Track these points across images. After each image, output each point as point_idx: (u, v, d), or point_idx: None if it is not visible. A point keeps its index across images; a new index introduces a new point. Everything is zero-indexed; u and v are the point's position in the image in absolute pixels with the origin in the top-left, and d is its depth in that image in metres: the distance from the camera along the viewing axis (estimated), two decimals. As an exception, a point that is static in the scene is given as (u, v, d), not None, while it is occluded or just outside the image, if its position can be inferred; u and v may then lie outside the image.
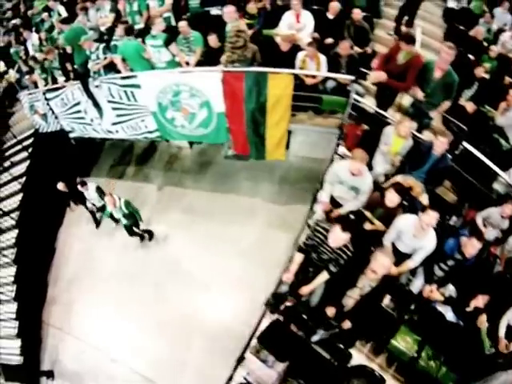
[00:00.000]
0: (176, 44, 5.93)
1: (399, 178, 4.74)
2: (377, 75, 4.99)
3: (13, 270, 7.37)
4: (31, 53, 8.24)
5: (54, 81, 7.17)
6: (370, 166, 4.86)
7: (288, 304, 4.40)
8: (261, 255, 7.05)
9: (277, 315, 4.47)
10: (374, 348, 4.22)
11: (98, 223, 7.98)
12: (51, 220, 8.06)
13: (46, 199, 7.91)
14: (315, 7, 6.35)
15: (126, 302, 6.98)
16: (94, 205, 7.47)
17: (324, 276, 3.98)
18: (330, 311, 4.02)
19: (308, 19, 6.04)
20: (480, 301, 3.92)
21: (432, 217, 3.78)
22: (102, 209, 7.21)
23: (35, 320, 7.56)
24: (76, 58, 6.68)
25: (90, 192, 7.21)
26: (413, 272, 4.30)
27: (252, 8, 6.21)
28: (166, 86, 5.74)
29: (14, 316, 7.17)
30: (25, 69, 8.41)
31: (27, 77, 7.70)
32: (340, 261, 3.85)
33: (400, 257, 4.10)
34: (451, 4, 6.84)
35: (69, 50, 6.61)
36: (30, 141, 8.11)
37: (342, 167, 4.53)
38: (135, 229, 7.15)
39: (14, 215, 7.57)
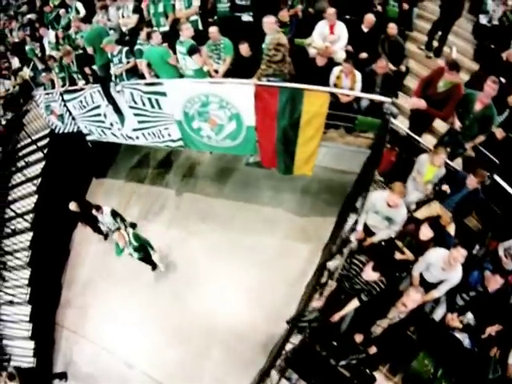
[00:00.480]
0: (203, 49, 5.44)
1: (430, 208, 4.66)
2: (417, 103, 4.66)
3: (27, 272, 7.06)
4: (47, 51, 7.70)
5: (72, 81, 6.63)
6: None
7: (315, 326, 4.37)
8: (280, 266, 6.80)
9: (303, 336, 4.43)
10: (392, 368, 4.21)
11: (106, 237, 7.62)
12: (66, 222, 7.67)
13: (61, 201, 7.53)
14: (348, 17, 5.88)
15: (143, 308, 6.72)
16: (109, 228, 6.99)
17: (355, 304, 3.99)
18: (359, 338, 4.07)
19: (342, 31, 5.56)
20: (494, 329, 3.95)
21: (461, 254, 3.79)
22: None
23: (49, 322, 7.29)
24: (97, 60, 6.13)
25: (104, 216, 6.74)
26: (436, 300, 4.30)
27: (284, 16, 5.67)
28: (194, 96, 5.31)
29: (27, 318, 6.90)
30: (40, 66, 7.91)
31: (43, 74, 7.17)
32: (372, 292, 3.88)
33: (426, 286, 4.11)
34: (483, 21, 6.47)
35: (89, 51, 6.10)
36: (46, 141, 7.62)
37: (379, 197, 4.43)
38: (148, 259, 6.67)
39: (29, 217, 7.22)
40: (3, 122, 7.92)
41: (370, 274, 3.81)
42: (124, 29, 6.49)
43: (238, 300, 6.54)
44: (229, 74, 5.53)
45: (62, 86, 6.70)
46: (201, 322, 6.42)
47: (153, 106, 5.73)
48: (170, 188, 7.83)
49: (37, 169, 7.50)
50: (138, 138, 6.46)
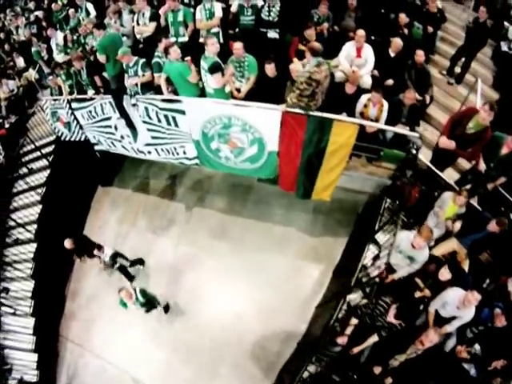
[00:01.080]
0: (229, 68, 4.89)
1: (448, 245, 4.59)
2: (447, 143, 4.34)
3: (30, 284, 6.58)
4: (55, 53, 7.06)
5: (81, 88, 6.04)
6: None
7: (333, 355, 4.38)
8: (291, 285, 6.47)
9: (320, 365, 4.48)
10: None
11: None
12: (71, 232, 7.17)
13: (65, 210, 7.03)
14: (374, 38, 5.44)
15: (152, 323, 6.31)
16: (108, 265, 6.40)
17: (374, 339, 4.18)
18: (377, 370, 4.14)
19: (370, 55, 5.10)
20: (500, 363, 4.01)
21: (475, 298, 3.89)
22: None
23: (53, 334, 6.83)
24: (109, 70, 5.54)
25: (105, 256, 6.13)
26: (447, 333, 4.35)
27: (311, 35, 5.12)
28: (216, 117, 4.80)
29: (30, 331, 6.45)
30: (47, 70, 7.27)
31: (50, 78, 6.59)
32: (392, 329, 4.17)
33: (440, 320, 4.20)
34: (504, 48, 6.08)
35: (102, 59, 5.46)
36: (51, 148, 7.01)
37: (405, 238, 4.31)
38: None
39: (32, 228, 6.68)
40: (6, 125, 7.28)
41: (392, 320, 4.12)
42: (139, 36, 5.85)
43: (248, 318, 6.21)
44: (251, 93, 5.04)
45: (70, 94, 6.09)
46: (210, 339, 6.09)
47: (169, 124, 5.20)
48: (179, 201, 7.33)
49: (41, 177, 6.87)
50: (150, 152, 5.93)
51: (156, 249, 6.96)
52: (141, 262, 6.72)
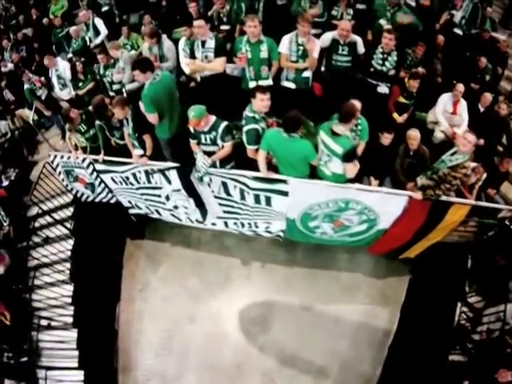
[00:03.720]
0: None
1: None
2: None
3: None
4: (56, 87, 4.44)
5: (106, 143, 3.57)
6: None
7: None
8: (363, 332, 4.93)
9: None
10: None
11: None
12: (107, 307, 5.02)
13: (98, 281, 4.83)
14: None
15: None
16: None
17: None
18: None
19: (464, 111, 3.58)
20: None
21: None
22: None
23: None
24: (162, 131, 3.07)
25: None
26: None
27: (413, 85, 3.43)
28: (330, 201, 3.00)
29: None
30: (47, 113, 4.68)
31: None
32: None
33: None
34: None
35: (153, 119, 2.94)
36: (69, 211, 4.57)
37: None
38: None
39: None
40: (5, 182, 4.73)
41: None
42: (198, 76, 3.36)
43: (332, 374, 4.65)
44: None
45: (91, 151, 3.69)
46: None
47: (258, 202, 3.20)
48: (234, 255, 5.25)
49: (62, 248, 4.55)
50: (214, 224, 3.85)
51: (216, 311, 5.03)
52: None
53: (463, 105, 3.62)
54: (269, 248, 5.20)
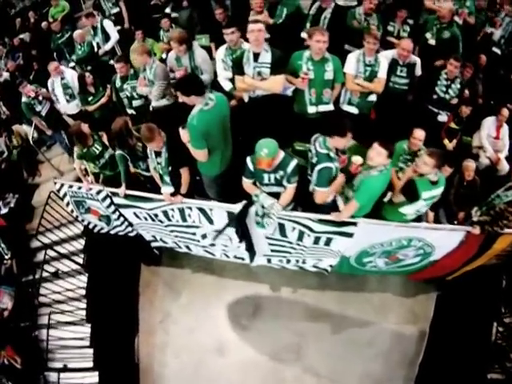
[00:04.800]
0: None
1: None
2: None
3: None
4: (61, 99, 3.55)
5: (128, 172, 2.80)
6: None
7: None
8: (397, 352, 4.48)
9: None
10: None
11: None
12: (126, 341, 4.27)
13: (115, 315, 4.08)
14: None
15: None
16: None
17: None
18: None
19: (507, 135, 3.20)
20: None
21: None
22: None
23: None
24: (209, 166, 2.39)
25: None
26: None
27: (465, 111, 2.97)
28: (394, 239, 2.52)
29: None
30: (49, 132, 3.79)
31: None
32: None
33: None
34: None
35: (201, 156, 2.25)
36: (80, 244, 3.77)
37: None
38: None
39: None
40: (3, 210, 3.85)
41: None
42: (245, 96, 2.57)
43: None
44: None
45: (106, 179, 2.96)
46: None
47: (316, 243, 2.58)
48: (261, 281, 4.58)
49: (74, 284, 3.78)
50: (254, 261, 3.18)
51: (245, 340, 4.40)
52: None
53: (506, 129, 3.27)
54: (299, 273, 4.57)
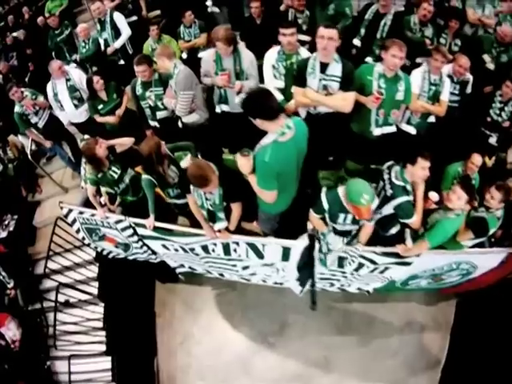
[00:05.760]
0: None
1: None
2: None
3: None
4: (67, 105, 2.85)
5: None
6: None
7: None
8: (421, 360, 4.29)
9: None
10: None
11: None
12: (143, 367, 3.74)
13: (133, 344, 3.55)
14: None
15: None
16: None
17: None
18: None
19: None
20: None
21: None
22: None
23: None
24: (272, 206, 1.76)
25: None
26: None
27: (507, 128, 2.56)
28: (445, 265, 2.34)
29: None
30: (48, 144, 3.07)
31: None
32: None
33: None
34: None
35: (270, 197, 1.64)
36: (90, 270, 3.20)
37: None
38: None
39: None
40: (2, 234, 3.18)
41: None
42: (303, 112, 2.02)
43: None
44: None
45: (125, 204, 2.39)
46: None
47: (372, 272, 2.28)
48: (286, 296, 4.15)
49: (87, 313, 3.21)
50: (293, 286, 2.76)
51: (273, 359, 4.02)
52: None
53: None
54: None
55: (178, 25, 2.98)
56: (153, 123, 2.52)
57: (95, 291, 3.18)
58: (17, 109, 2.91)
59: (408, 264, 2.17)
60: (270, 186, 1.58)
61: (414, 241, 2.02)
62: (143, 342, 3.89)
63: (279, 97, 2.10)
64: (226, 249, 2.19)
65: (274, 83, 2.10)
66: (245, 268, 2.49)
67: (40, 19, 3.33)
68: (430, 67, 2.23)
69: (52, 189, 3.46)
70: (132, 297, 3.72)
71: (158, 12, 3.39)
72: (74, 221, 2.69)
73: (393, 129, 2.15)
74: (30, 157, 3.15)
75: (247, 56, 2.12)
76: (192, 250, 2.33)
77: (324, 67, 1.86)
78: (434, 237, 1.93)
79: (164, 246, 2.45)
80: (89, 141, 2.17)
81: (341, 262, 2.14)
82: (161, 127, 2.47)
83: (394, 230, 2.03)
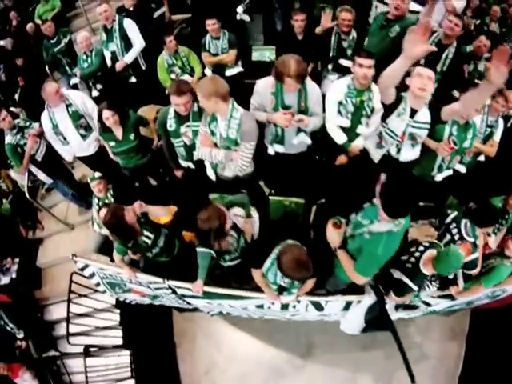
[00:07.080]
0: None
1: None
2: None
3: None
4: (71, 138, 2.33)
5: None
6: None
7: None
8: (440, 369, 4.43)
9: None
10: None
11: None
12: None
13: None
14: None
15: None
16: None
17: None
18: None
19: None
20: None
21: None
22: None
23: None
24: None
25: None
26: None
27: None
28: (483, 295, 2.33)
29: None
30: (49, 181, 2.63)
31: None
32: None
33: None
34: None
35: (363, 281, 1.45)
36: (110, 318, 2.91)
37: None
38: None
39: None
40: (4, 280, 2.76)
41: None
42: (376, 156, 1.79)
43: None
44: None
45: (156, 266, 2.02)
46: None
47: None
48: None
49: (109, 361, 2.93)
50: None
51: (301, 382, 3.99)
52: None
53: None
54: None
55: (202, 32, 2.54)
56: (185, 164, 2.10)
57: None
58: (8, 139, 2.33)
59: (453, 299, 2.24)
60: (370, 274, 1.42)
61: (465, 281, 2.06)
62: (166, 375, 3.69)
63: (343, 138, 1.83)
64: (285, 306, 1.98)
65: (338, 121, 1.80)
66: (293, 315, 2.28)
67: (29, 26, 2.70)
68: (490, 109, 2.15)
69: (55, 224, 3.04)
70: (150, 328, 3.46)
71: (179, 16, 2.88)
72: (93, 274, 2.33)
73: (450, 172, 2.03)
74: (27, 195, 2.69)
75: (315, 91, 1.74)
76: (245, 308, 2.08)
77: (413, 113, 1.62)
78: (489, 281, 2.04)
79: (209, 303, 2.18)
80: (112, 207, 1.71)
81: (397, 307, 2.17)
82: (196, 169, 2.11)
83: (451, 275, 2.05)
